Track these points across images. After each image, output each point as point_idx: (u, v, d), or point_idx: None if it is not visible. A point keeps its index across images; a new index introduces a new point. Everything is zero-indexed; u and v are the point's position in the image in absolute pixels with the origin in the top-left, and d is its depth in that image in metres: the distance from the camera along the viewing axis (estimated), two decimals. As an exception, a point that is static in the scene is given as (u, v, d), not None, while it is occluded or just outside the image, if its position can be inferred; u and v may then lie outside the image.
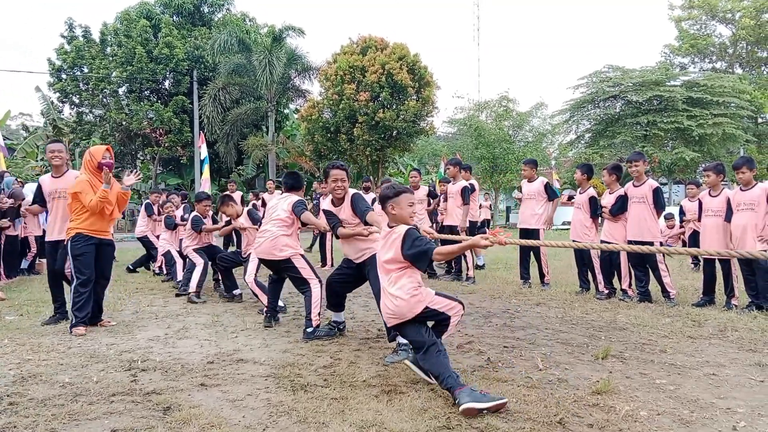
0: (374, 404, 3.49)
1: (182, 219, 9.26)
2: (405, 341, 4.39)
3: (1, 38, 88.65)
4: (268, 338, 5.32)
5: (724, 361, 4.45)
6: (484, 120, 30.72)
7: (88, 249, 5.70)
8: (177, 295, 7.81)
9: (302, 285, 5.54)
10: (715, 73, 32.90)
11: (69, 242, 5.67)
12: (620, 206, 7.31)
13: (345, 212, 5.07)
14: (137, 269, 10.85)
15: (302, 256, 5.65)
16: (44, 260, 10.93)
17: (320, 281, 5.54)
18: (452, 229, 8.85)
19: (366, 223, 4.87)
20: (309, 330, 5.29)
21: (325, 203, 5.26)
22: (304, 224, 5.67)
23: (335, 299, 5.35)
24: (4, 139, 14.32)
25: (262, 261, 5.90)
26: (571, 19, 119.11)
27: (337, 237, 5.13)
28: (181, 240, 8.93)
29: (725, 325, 5.69)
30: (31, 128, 35.54)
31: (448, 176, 9.42)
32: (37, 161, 28.91)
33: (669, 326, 5.69)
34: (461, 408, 3.28)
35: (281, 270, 5.71)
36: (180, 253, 8.93)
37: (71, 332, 5.49)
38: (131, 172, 6.51)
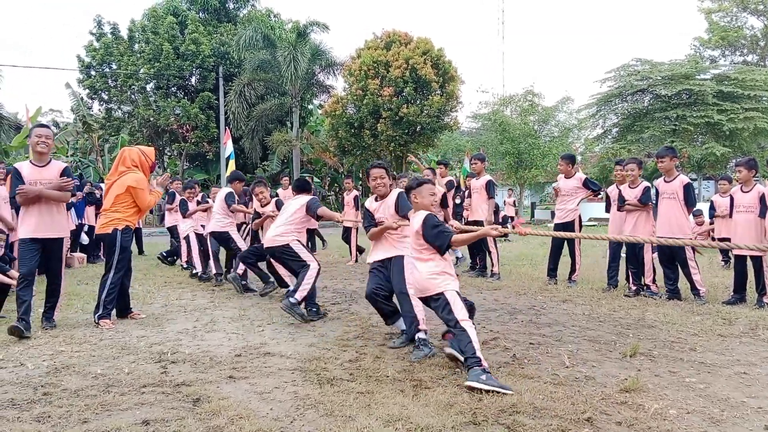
0: (400, 399, 3.51)
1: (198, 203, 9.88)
2: (424, 336, 4.62)
3: (31, 37, 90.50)
4: (295, 332, 5.37)
5: (756, 360, 4.37)
6: (508, 115, 30.46)
7: (131, 241, 5.96)
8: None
9: (302, 266, 5.91)
10: (746, 67, 32.16)
11: (119, 233, 5.74)
12: (648, 196, 7.31)
13: (388, 209, 5.09)
14: (168, 258, 11.31)
15: (300, 242, 6.12)
16: (75, 254, 11.24)
17: (319, 265, 6.02)
18: (478, 224, 8.81)
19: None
20: (292, 300, 5.59)
21: (368, 201, 5.31)
22: (319, 218, 6.26)
23: (386, 308, 5.10)
24: (36, 135, 14.57)
25: (266, 251, 6.36)
26: (598, 12, 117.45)
27: (370, 238, 5.19)
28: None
29: (756, 324, 5.58)
30: (62, 124, 36.27)
31: (473, 171, 9.35)
32: (67, 157, 29.46)
33: (699, 324, 5.60)
34: (465, 383, 3.64)
35: (282, 256, 6.13)
36: (199, 237, 9.35)
37: (98, 324, 5.59)
38: (158, 175, 6.76)
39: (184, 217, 9.68)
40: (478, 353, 3.81)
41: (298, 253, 6.01)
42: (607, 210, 8.35)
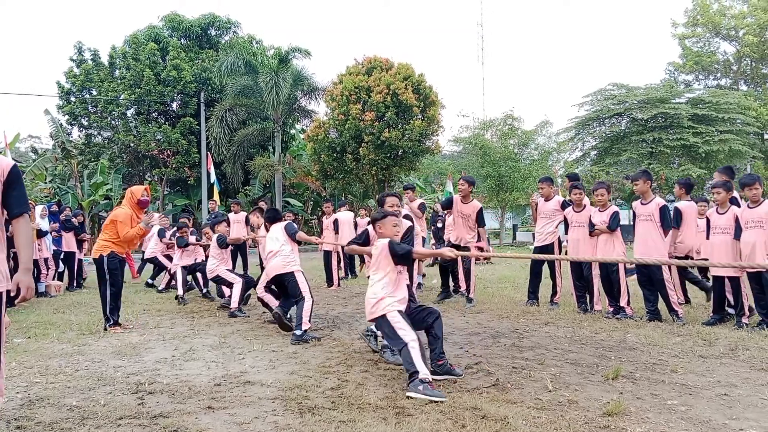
0: (382, 427, 3.47)
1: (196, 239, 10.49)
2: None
3: (8, 62, 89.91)
4: (276, 360, 5.30)
5: (736, 381, 4.40)
6: (489, 138, 30.76)
7: (120, 265, 6.97)
8: (222, 307, 8.52)
9: (298, 296, 6.42)
10: (720, 90, 32.91)
11: (105, 258, 6.81)
12: (616, 221, 7.47)
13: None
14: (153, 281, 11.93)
15: (302, 273, 6.66)
16: (52, 282, 11.05)
17: (313, 298, 6.49)
18: (461, 249, 8.74)
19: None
20: (299, 333, 6.07)
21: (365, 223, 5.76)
22: (299, 243, 6.86)
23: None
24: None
25: (273, 278, 6.71)
26: (575, 38, 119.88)
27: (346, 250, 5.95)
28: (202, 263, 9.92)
29: (736, 344, 5.63)
30: (40, 150, 35.82)
31: (460, 192, 9.09)
32: (45, 183, 29.12)
33: (679, 345, 5.63)
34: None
35: (284, 282, 6.59)
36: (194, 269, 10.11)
37: (107, 330, 6.72)
38: (157, 215, 7.96)
39: (179, 247, 10.11)
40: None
41: (299, 284, 6.51)
42: (566, 232, 8.21)
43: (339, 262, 12.02)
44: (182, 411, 3.83)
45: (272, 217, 7.18)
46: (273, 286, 6.93)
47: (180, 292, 9.52)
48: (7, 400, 4.10)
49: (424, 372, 4.15)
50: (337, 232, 11.66)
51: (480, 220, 8.63)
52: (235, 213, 12.10)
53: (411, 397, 3.99)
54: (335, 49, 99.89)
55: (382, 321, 4.53)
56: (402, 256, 4.59)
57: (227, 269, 8.62)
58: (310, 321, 6.26)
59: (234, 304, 7.98)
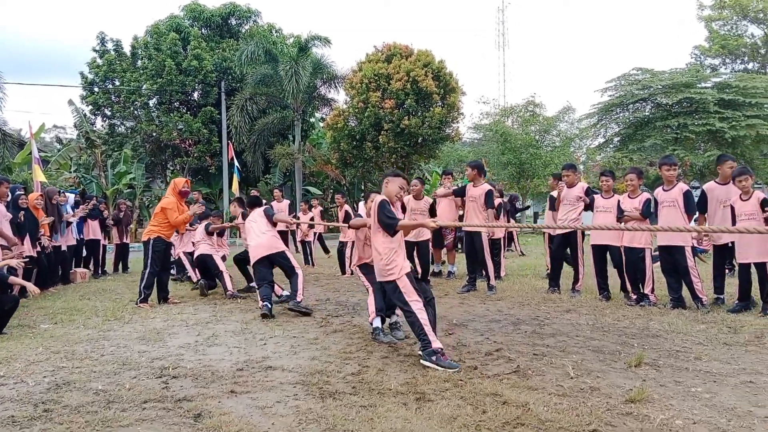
0: (403, 412, 3.48)
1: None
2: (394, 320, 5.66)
3: (34, 53, 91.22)
4: (297, 345, 5.35)
5: (762, 369, 4.33)
6: (510, 125, 30.48)
7: (165, 248, 8.04)
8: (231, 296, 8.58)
9: (291, 271, 7.31)
10: (747, 74, 32.12)
11: (152, 241, 7.84)
12: (648, 209, 7.30)
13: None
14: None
15: (287, 250, 7.52)
16: (78, 269, 11.25)
17: (302, 270, 7.43)
18: (471, 234, 8.68)
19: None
20: (298, 300, 7.01)
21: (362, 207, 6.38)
22: (274, 224, 7.63)
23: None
24: (39, 152, 14.68)
25: (264, 258, 7.30)
26: (598, 22, 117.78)
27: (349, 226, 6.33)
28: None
29: (762, 332, 5.53)
30: (65, 140, 36.39)
31: (467, 178, 9.03)
32: (70, 172, 29.54)
33: (703, 333, 5.56)
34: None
35: (277, 260, 7.36)
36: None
37: (138, 306, 7.60)
38: (197, 204, 9.15)
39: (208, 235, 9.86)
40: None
41: (290, 260, 7.42)
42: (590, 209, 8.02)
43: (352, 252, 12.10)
44: (205, 395, 3.89)
45: (253, 203, 7.92)
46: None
47: (194, 276, 9.75)
48: (35, 384, 4.20)
49: (436, 343, 4.49)
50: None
51: (488, 201, 8.43)
52: (278, 202, 12.92)
53: (426, 366, 4.38)
54: (355, 37, 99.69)
55: (393, 285, 4.76)
56: (386, 223, 4.75)
57: (219, 258, 9.07)
58: (302, 293, 7.17)
59: (229, 288, 8.61)
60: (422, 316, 4.58)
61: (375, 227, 4.87)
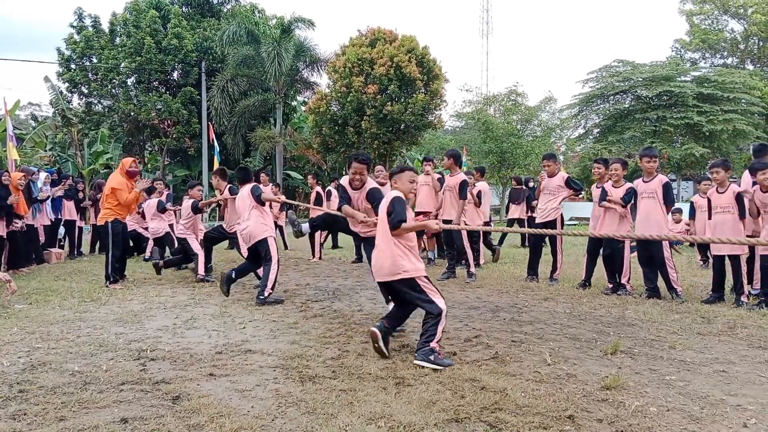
0: (382, 396, 3.50)
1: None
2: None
3: (8, 28, 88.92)
4: (276, 330, 5.33)
5: (734, 358, 4.42)
6: (492, 114, 30.53)
7: (122, 229, 8.00)
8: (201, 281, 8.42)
9: (267, 260, 6.77)
10: (726, 69, 32.53)
11: (110, 224, 7.79)
12: (630, 197, 7.37)
13: (360, 200, 5.69)
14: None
15: (273, 238, 6.95)
16: (53, 250, 11.08)
17: (279, 263, 6.92)
18: (447, 223, 8.67)
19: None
20: (262, 297, 6.53)
21: (345, 182, 5.83)
22: (263, 204, 6.97)
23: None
24: (13, 129, 14.36)
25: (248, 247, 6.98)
26: (581, 13, 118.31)
27: (339, 210, 5.90)
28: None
29: (735, 322, 5.65)
30: (40, 118, 35.62)
31: (445, 168, 8.99)
32: (45, 151, 29.02)
33: (678, 323, 5.66)
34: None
35: (257, 247, 6.89)
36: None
37: (108, 287, 7.62)
38: (143, 180, 8.58)
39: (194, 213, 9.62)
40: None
41: (270, 249, 6.83)
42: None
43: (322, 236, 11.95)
44: (184, 377, 3.86)
45: (242, 178, 7.31)
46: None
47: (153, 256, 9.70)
48: (9, 364, 4.14)
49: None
50: (321, 204, 11.51)
51: (461, 192, 8.42)
52: (264, 185, 12.05)
53: (421, 366, 4.07)
54: (339, 20, 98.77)
55: (410, 283, 4.35)
56: (394, 220, 4.35)
57: (194, 237, 8.84)
58: (273, 288, 6.68)
59: (200, 271, 8.47)
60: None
61: (383, 224, 4.48)
